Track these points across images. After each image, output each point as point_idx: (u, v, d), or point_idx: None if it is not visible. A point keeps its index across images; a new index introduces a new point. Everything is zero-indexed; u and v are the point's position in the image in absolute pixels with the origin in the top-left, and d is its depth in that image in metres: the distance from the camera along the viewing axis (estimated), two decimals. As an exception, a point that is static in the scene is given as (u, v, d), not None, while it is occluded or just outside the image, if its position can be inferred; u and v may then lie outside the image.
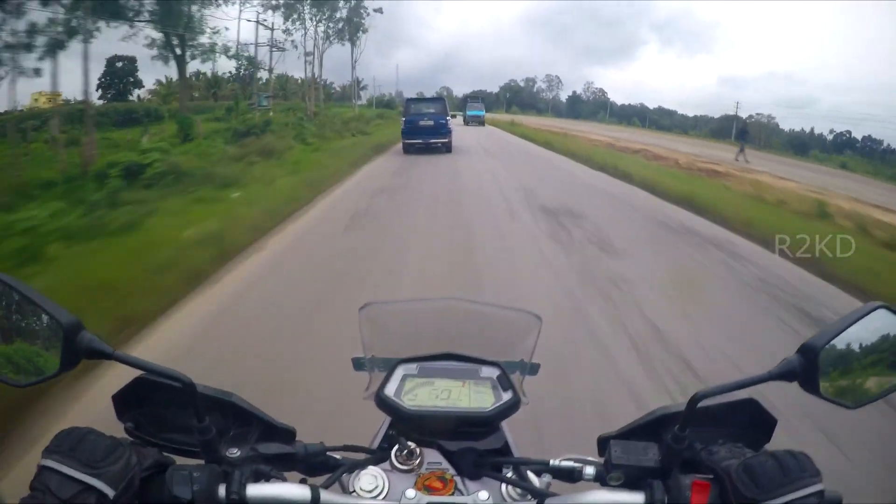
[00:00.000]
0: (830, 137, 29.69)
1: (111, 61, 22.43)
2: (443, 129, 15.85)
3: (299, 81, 29.13)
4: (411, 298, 0.99)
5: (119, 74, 22.71)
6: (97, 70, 20.37)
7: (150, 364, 0.56)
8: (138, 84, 22.75)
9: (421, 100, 18.75)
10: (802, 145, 31.04)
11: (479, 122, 31.59)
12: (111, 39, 18.09)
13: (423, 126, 15.84)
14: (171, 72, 20.76)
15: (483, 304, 0.92)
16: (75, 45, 14.99)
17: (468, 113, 32.76)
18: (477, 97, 35.80)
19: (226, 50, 21.27)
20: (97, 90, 20.68)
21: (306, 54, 26.70)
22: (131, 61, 22.49)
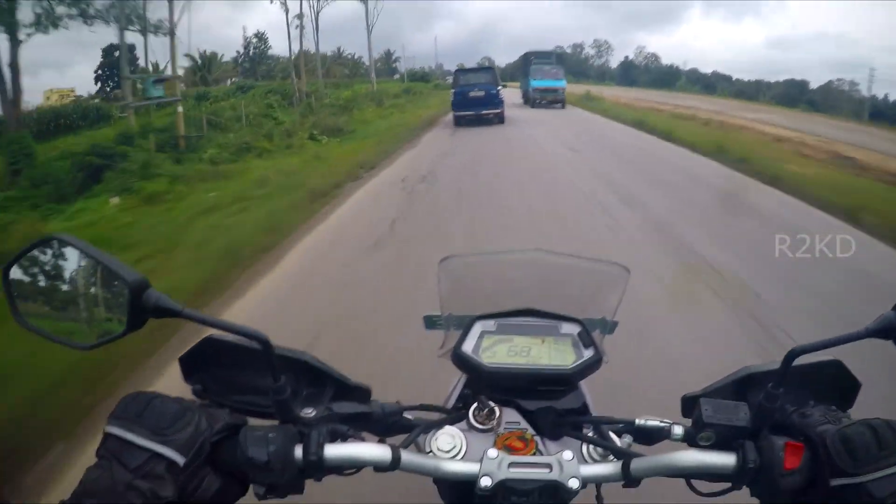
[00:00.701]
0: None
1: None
2: (495, 100, 15.53)
3: (310, 54, 25.60)
4: (493, 250, 0.97)
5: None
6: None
7: (223, 322, 0.54)
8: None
9: (470, 70, 18.27)
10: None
11: (556, 99, 21.04)
12: None
13: (474, 97, 15.51)
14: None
15: (568, 256, 0.88)
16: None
17: (534, 83, 21.34)
18: (549, 55, 25.09)
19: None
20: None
21: (298, 17, 22.80)
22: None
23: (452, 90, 16.22)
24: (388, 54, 53.68)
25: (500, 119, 15.52)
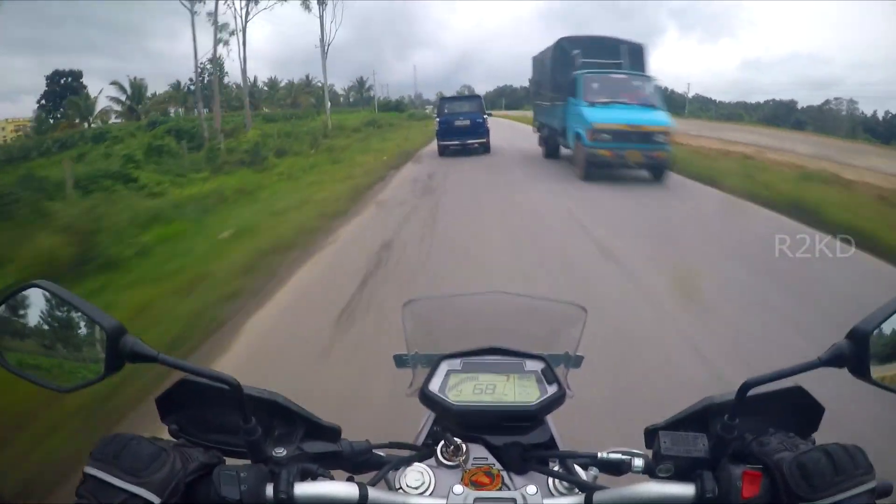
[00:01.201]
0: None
1: None
2: (480, 129, 15.20)
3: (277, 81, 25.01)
4: (454, 293, 1.00)
5: None
6: None
7: (194, 367, 0.56)
8: None
9: (455, 98, 17.72)
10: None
11: (653, 158, 8.66)
12: None
13: (460, 126, 15.12)
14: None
15: (527, 297, 0.92)
16: None
17: (592, 116, 9.15)
18: (614, 46, 11.10)
19: None
20: None
21: (215, 25, 19.14)
22: None
23: (437, 119, 15.79)
24: (361, 82, 50.40)
25: (485, 148, 15.23)
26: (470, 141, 15.08)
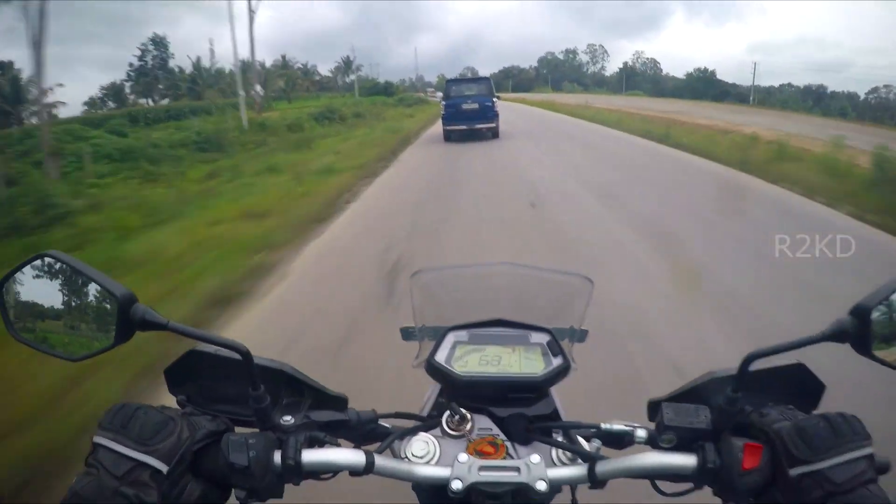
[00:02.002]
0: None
1: None
2: (489, 113, 14.42)
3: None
4: (462, 264, 1.00)
5: None
6: None
7: (205, 334, 0.57)
8: None
9: (463, 80, 16.67)
10: None
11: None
12: None
13: (467, 110, 14.38)
14: None
15: (534, 268, 0.92)
16: None
17: None
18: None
19: None
20: None
21: None
22: None
23: (443, 102, 15.12)
24: (347, 63, 43.99)
25: (494, 134, 14.59)
26: (478, 126, 14.39)
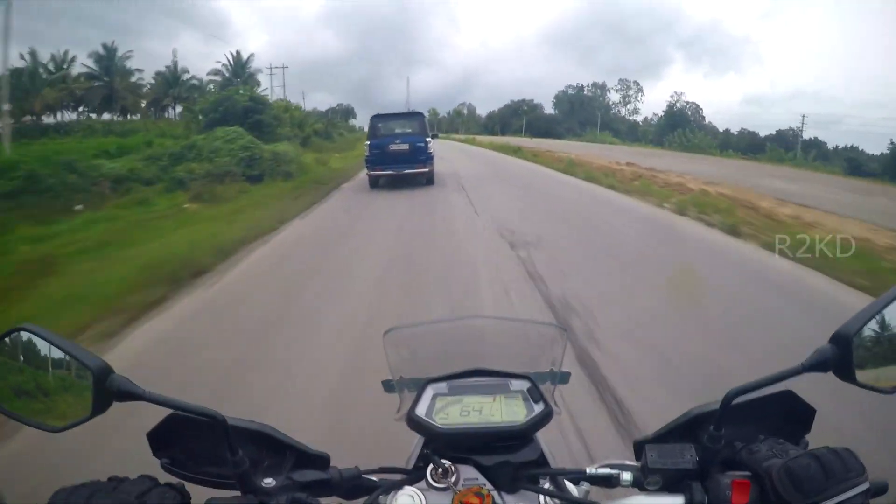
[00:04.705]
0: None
1: None
2: (421, 155, 12.15)
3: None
4: (434, 319, 0.99)
5: None
6: None
7: (181, 402, 0.57)
8: None
9: (391, 116, 13.43)
10: None
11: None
12: None
13: (395, 151, 12.10)
14: None
15: (506, 319, 0.93)
16: None
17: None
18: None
19: None
20: None
21: None
22: None
23: (367, 143, 12.43)
24: (237, 60, 31.08)
25: (428, 180, 12.40)
26: (409, 171, 12.07)
